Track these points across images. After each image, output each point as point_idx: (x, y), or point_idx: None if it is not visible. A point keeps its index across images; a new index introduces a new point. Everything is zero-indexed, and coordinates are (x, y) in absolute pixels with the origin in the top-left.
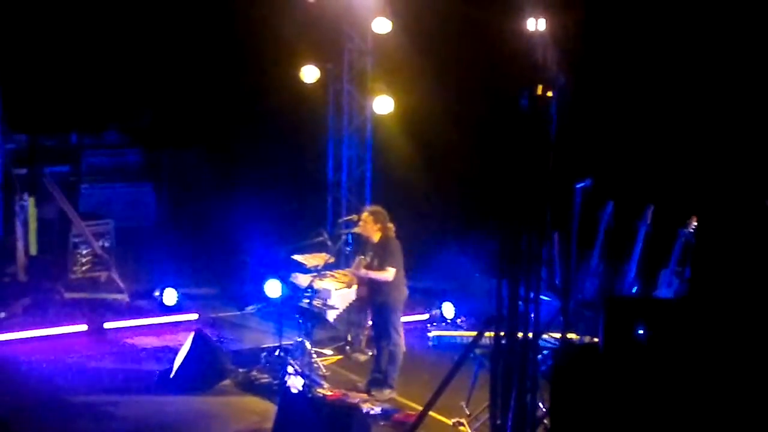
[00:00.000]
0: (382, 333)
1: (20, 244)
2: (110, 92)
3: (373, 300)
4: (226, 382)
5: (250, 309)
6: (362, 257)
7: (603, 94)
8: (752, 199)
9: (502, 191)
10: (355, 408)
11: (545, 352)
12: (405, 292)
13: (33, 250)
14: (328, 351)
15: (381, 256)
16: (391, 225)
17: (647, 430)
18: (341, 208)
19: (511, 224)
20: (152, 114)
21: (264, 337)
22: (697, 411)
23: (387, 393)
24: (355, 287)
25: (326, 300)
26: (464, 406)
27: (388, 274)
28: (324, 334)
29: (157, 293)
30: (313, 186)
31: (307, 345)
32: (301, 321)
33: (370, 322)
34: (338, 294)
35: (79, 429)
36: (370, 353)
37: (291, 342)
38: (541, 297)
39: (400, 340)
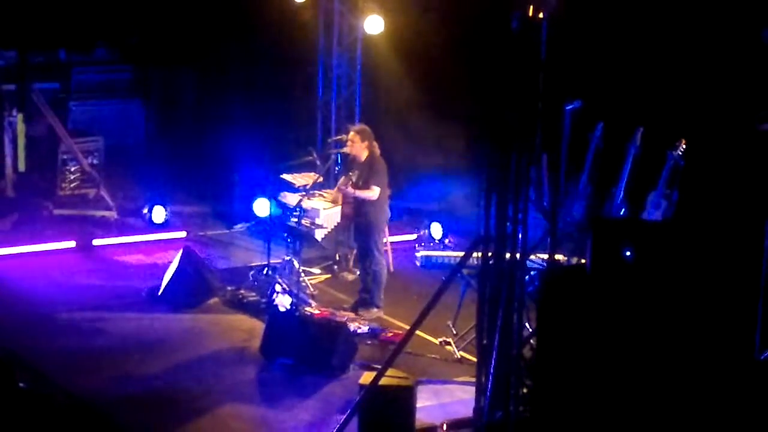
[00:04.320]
0: (365, 252)
1: (9, 161)
2: (100, 9)
3: (356, 219)
4: (214, 299)
5: (238, 227)
6: (349, 174)
7: (594, 14)
8: (742, 122)
9: (492, 112)
10: (342, 326)
11: (532, 272)
12: (388, 212)
13: (21, 166)
14: (316, 270)
15: (366, 174)
16: (376, 144)
17: (632, 351)
18: (330, 128)
19: (500, 145)
20: (141, 32)
21: (252, 256)
22: (681, 332)
23: (374, 312)
24: (340, 205)
25: (314, 219)
26: (451, 325)
27: (373, 192)
28: (312, 253)
29: (145, 211)
30: (303, 105)
31: (295, 264)
32: (289, 240)
33: None
34: (326, 213)
35: (66, 345)
36: (358, 273)
37: (279, 261)
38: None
39: (383, 260)
